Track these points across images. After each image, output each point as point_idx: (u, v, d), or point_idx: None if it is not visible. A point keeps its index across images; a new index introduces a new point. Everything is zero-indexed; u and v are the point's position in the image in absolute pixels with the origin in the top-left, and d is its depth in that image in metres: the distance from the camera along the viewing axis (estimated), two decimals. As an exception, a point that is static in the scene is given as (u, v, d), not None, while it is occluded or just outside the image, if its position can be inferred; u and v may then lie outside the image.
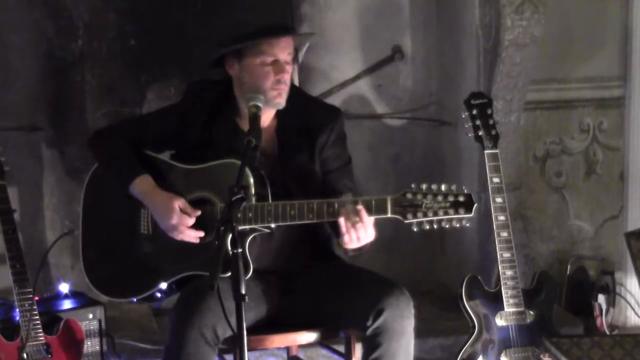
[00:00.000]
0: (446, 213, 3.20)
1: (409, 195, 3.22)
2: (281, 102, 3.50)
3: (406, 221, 3.22)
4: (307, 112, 3.62)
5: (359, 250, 3.40)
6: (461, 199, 3.20)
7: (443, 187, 3.21)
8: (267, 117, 3.55)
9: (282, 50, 3.46)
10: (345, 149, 3.68)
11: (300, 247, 3.59)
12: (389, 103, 5.35)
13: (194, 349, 3.27)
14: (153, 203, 3.50)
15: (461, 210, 3.20)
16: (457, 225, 3.22)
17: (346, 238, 3.27)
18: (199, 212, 3.44)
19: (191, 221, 3.42)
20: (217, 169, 3.46)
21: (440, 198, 3.20)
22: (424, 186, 3.22)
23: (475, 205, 3.21)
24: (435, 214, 3.20)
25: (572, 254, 5.09)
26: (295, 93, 3.62)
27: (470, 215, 3.20)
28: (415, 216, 3.21)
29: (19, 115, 4.95)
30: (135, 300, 3.63)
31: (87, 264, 3.66)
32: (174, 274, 3.50)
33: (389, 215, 3.25)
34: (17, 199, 4.79)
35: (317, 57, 5.22)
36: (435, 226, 3.22)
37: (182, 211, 3.42)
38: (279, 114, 3.58)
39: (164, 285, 3.52)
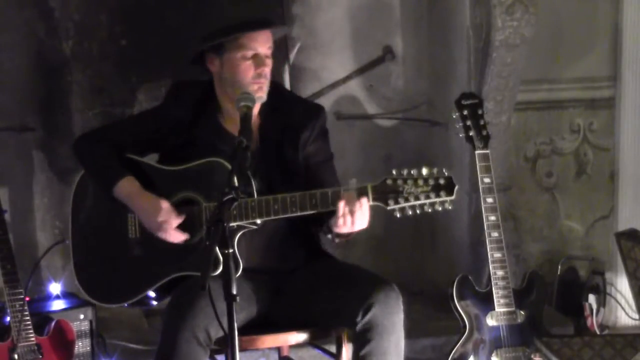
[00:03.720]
0: (427, 197, 3.20)
1: (389, 182, 3.22)
2: (262, 95, 3.50)
3: (388, 207, 3.22)
4: (290, 109, 3.63)
5: (347, 236, 3.40)
6: (442, 181, 3.20)
7: (424, 171, 3.21)
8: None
9: (262, 43, 3.48)
10: (327, 145, 3.69)
11: (289, 246, 3.60)
12: (380, 103, 5.36)
13: (186, 351, 3.27)
14: (138, 204, 3.51)
15: (442, 193, 3.20)
16: (440, 208, 3.22)
17: (340, 221, 3.26)
18: (183, 216, 3.45)
19: (177, 221, 3.43)
20: (200, 168, 3.47)
21: (420, 182, 3.20)
22: (404, 172, 3.22)
23: (457, 187, 3.21)
24: (417, 198, 3.20)
25: (562, 254, 5.09)
26: (278, 90, 3.63)
27: (452, 197, 3.20)
28: (396, 202, 3.21)
29: (9, 115, 4.94)
30: (126, 305, 3.63)
31: (78, 271, 3.66)
32: (163, 276, 3.50)
33: (370, 202, 3.25)
34: (8, 199, 4.78)
35: (308, 58, 5.22)
36: (418, 211, 3.22)
37: (167, 212, 3.43)
38: (261, 111, 3.58)
39: (152, 294, 3.53)
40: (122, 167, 3.56)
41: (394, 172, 3.22)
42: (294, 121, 3.60)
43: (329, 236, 3.45)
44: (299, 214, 3.32)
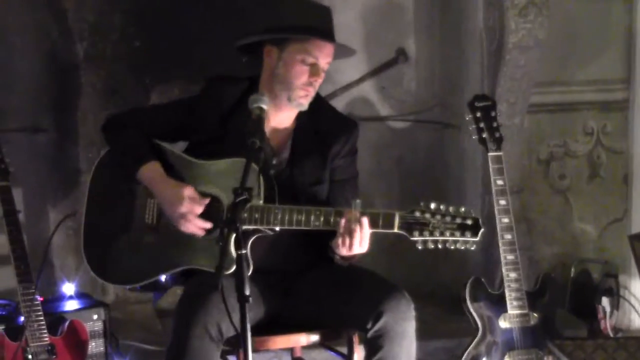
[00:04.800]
0: (452, 234, 3.22)
1: (417, 213, 3.23)
2: (305, 104, 3.51)
3: (412, 238, 3.24)
4: (325, 120, 3.63)
5: (349, 259, 3.41)
6: (469, 222, 3.22)
7: (451, 209, 3.23)
8: (288, 117, 3.58)
9: (325, 56, 3.48)
10: (354, 164, 3.69)
11: (300, 248, 3.59)
12: (393, 105, 5.36)
13: (198, 345, 3.26)
14: (161, 190, 3.49)
15: (467, 234, 3.21)
16: (462, 247, 3.24)
17: (339, 241, 3.28)
18: (207, 200, 3.43)
19: (200, 209, 3.41)
20: (226, 166, 3.46)
21: (448, 219, 3.22)
22: (432, 205, 3.23)
23: (482, 230, 3.22)
24: (442, 234, 3.22)
25: (575, 257, 5.08)
26: (318, 100, 3.62)
27: (476, 239, 3.22)
28: (421, 234, 3.22)
29: (23, 116, 4.96)
30: (128, 287, 3.62)
31: (87, 248, 3.63)
32: (174, 266, 3.48)
33: (395, 230, 3.26)
34: (22, 200, 4.79)
35: (321, 60, 5.22)
36: (440, 246, 3.23)
37: (191, 200, 3.42)
38: (299, 117, 3.59)
39: (163, 278, 3.51)
40: (148, 151, 3.55)
41: (422, 204, 3.24)
42: (327, 132, 3.60)
43: (336, 257, 3.45)
44: (321, 228, 3.31)
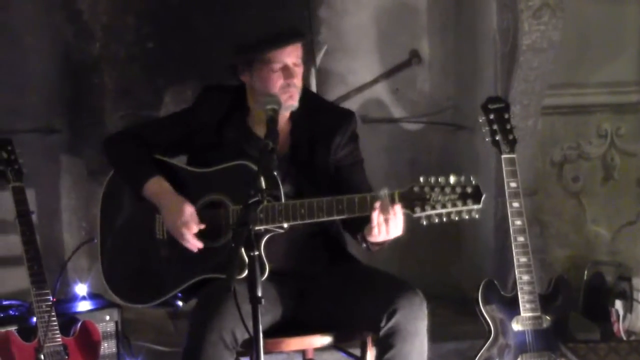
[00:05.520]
0: (454, 205, 3.16)
1: (416, 189, 3.20)
2: (293, 103, 3.54)
3: (414, 215, 3.20)
4: (321, 115, 3.65)
5: (382, 244, 3.40)
6: (469, 190, 3.17)
7: (451, 179, 3.17)
8: (280, 119, 3.57)
9: (289, 55, 3.51)
10: (357, 149, 3.70)
11: (313, 249, 3.60)
12: (406, 107, 5.35)
13: (212, 353, 3.27)
14: (164, 204, 3.53)
15: (469, 202, 3.16)
16: (467, 217, 3.18)
17: (375, 231, 3.25)
18: (203, 226, 3.46)
19: (198, 227, 3.45)
20: (228, 171, 3.49)
21: (448, 190, 3.16)
22: (432, 179, 3.19)
23: (484, 195, 3.17)
24: (444, 206, 3.17)
25: (588, 259, 5.07)
26: (309, 97, 3.65)
27: (479, 206, 3.17)
28: (423, 209, 3.18)
29: (36, 117, 4.97)
30: (151, 306, 3.65)
31: (106, 271, 3.69)
32: (189, 278, 3.51)
33: None
34: (35, 201, 4.81)
35: (335, 61, 5.23)
36: (444, 219, 3.19)
37: (191, 215, 3.45)
38: (293, 117, 3.61)
39: (179, 295, 3.54)
40: (151, 167, 3.59)
41: (421, 179, 3.20)
42: (325, 127, 3.61)
43: (364, 245, 3.44)
44: (325, 218, 3.32)
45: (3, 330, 3.80)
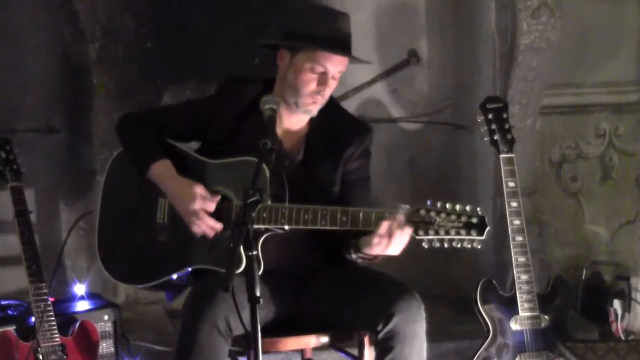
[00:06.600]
0: (458, 233, 3.18)
1: (423, 212, 3.21)
2: (313, 111, 3.51)
3: (417, 237, 3.22)
4: (339, 123, 3.63)
5: (373, 258, 3.41)
6: (474, 220, 3.18)
7: (457, 207, 3.19)
8: (300, 121, 3.57)
9: (335, 65, 3.46)
10: (367, 166, 3.68)
11: (311, 249, 3.59)
12: (405, 107, 5.35)
13: (207, 340, 3.26)
14: (171, 188, 3.50)
15: (473, 232, 3.18)
16: (468, 246, 3.20)
17: (375, 240, 3.26)
18: (218, 197, 3.43)
19: (212, 206, 3.42)
20: (237, 165, 3.45)
21: (453, 217, 3.18)
22: (438, 204, 3.20)
23: (488, 228, 3.19)
24: (447, 232, 3.18)
25: (587, 259, 5.08)
26: (331, 104, 3.61)
27: (482, 238, 3.19)
28: (426, 233, 3.20)
29: (35, 117, 4.98)
30: (140, 287, 3.63)
31: (101, 248, 3.65)
32: (184, 265, 3.48)
33: None
34: (34, 200, 4.81)
35: (333, 61, 5.22)
36: (446, 245, 3.20)
37: (203, 197, 3.42)
38: (312, 121, 3.59)
39: (175, 276, 3.52)
40: (159, 150, 3.56)
41: (428, 202, 3.21)
42: (341, 136, 3.59)
43: (353, 256, 3.45)
44: (327, 228, 3.31)
45: (1, 330, 3.80)
